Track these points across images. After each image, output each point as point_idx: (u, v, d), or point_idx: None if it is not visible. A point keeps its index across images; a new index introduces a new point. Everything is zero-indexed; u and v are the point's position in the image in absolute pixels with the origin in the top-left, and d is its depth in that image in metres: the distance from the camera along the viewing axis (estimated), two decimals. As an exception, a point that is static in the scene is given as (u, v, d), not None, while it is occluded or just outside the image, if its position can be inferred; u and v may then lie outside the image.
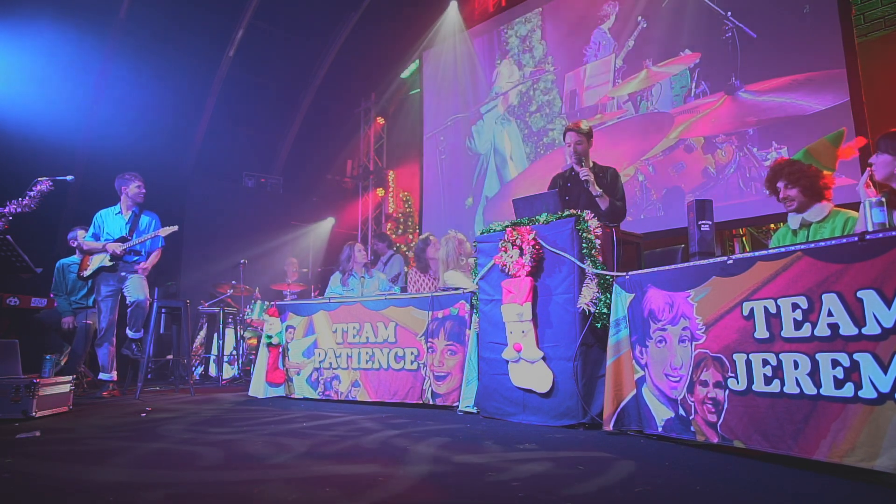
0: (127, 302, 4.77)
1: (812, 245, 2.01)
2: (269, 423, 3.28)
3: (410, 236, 9.14)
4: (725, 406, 2.25)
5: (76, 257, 5.26)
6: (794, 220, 2.92)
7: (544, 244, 3.18)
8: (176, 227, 4.80)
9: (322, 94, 9.71)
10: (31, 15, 6.52)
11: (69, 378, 3.86)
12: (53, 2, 6.63)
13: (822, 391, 1.92)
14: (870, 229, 2.01)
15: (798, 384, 1.99)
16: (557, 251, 3.13)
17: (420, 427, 3.11)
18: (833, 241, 1.97)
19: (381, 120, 10.09)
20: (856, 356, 1.83)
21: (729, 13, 5.47)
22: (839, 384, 1.87)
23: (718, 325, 2.32)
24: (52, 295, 5.10)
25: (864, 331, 1.81)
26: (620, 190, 3.84)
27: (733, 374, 2.23)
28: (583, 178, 3.65)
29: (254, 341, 6.54)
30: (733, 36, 5.43)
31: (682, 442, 2.47)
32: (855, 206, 2.82)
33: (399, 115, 9.80)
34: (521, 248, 3.21)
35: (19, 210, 4.02)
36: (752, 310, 2.18)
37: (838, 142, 2.71)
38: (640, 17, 6.12)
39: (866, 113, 4.57)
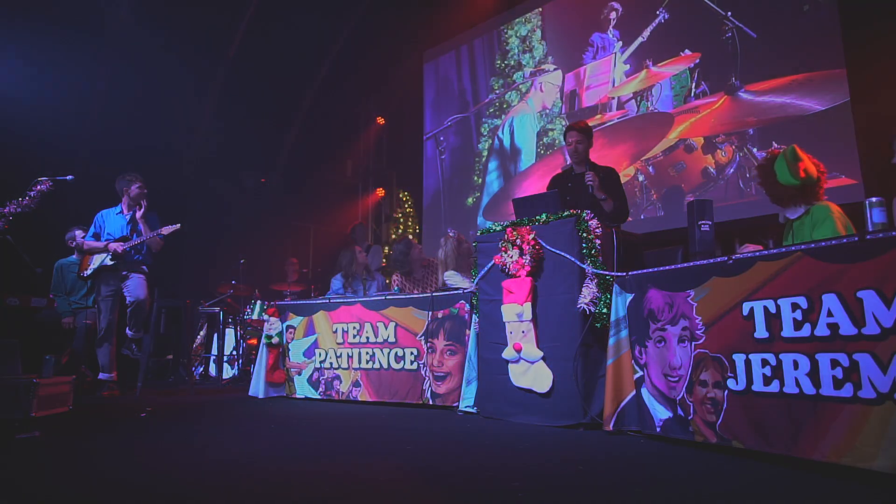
0: (127, 301, 4.77)
1: (812, 245, 2.01)
2: (268, 423, 3.28)
3: (410, 236, 9.13)
4: (724, 406, 2.25)
5: (75, 257, 5.26)
6: (781, 215, 2.97)
7: (544, 244, 3.18)
8: (178, 226, 4.79)
9: (322, 94, 9.70)
10: (30, 15, 6.52)
11: (69, 378, 3.86)
12: (53, 1, 6.62)
13: (821, 391, 1.92)
14: (870, 229, 2.01)
15: (797, 384, 1.99)
16: (557, 251, 3.13)
17: (420, 427, 3.11)
18: (833, 241, 1.97)
19: (381, 120, 10.09)
20: (855, 356, 1.83)
21: (729, 13, 5.47)
22: (838, 384, 1.87)
23: (718, 324, 2.32)
24: (51, 295, 5.10)
25: (863, 331, 1.81)
26: (621, 190, 3.85)
27: (732, 374, 2.23)
28: (588, 183, 3.66)
29: (254, 341, 6.54)
30: (733, 36, 5.43)
31: (681, 442, 2.47)
32: (854, 206, 2.85)
33: (399, 114, 9.80)
34: (521, 248, 3.21)
35: (19, 210, 4.02)
36: (751, 310, 2.18)
37: (796, 157, 2.74)
38: (659, 10, 6.04)
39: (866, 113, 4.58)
